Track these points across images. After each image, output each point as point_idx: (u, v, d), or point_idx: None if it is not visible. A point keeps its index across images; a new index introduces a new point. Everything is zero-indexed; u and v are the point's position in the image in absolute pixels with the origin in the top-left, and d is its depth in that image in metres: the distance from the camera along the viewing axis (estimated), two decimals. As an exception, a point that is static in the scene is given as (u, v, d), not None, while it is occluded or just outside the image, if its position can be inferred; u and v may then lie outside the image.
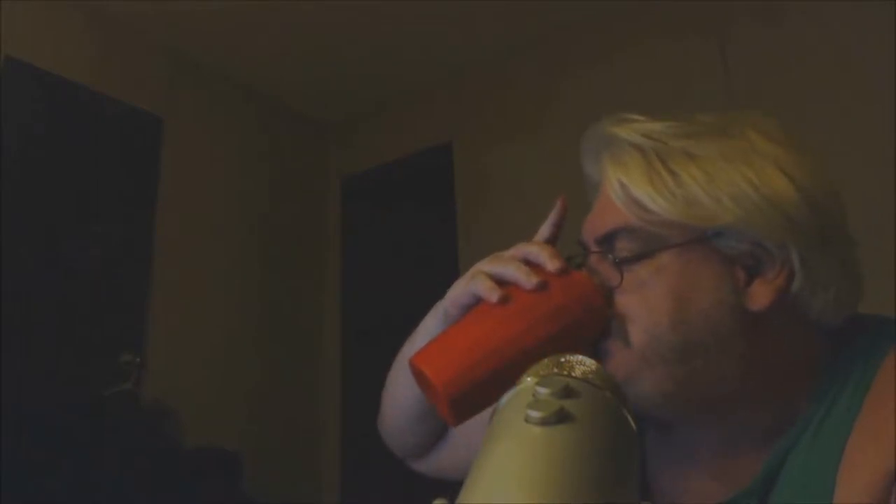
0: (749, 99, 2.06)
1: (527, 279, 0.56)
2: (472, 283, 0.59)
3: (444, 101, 2.92)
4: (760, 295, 0.54)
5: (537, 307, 0.56)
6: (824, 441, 0.53)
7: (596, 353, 0.57)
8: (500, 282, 0.58)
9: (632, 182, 0.56)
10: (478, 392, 0.53)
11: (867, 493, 0.48)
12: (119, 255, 2.30)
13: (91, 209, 2.26)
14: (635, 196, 0.55)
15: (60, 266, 2.13)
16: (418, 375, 0.57)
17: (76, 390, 2.03)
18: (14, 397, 1.74)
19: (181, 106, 2.60)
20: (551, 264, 0.57)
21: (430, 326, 0.67)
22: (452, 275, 0.64)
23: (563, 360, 0.38)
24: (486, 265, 0.60)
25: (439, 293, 0.65)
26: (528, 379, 0.37)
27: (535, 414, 0.31)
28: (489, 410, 0.39)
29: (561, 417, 0.32)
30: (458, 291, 0.61)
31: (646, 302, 0.55)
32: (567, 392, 0.34)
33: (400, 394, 0.72)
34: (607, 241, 0.58)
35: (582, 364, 0.37)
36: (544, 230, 0.67)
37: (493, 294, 0.56)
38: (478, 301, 0.59)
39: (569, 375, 0.36)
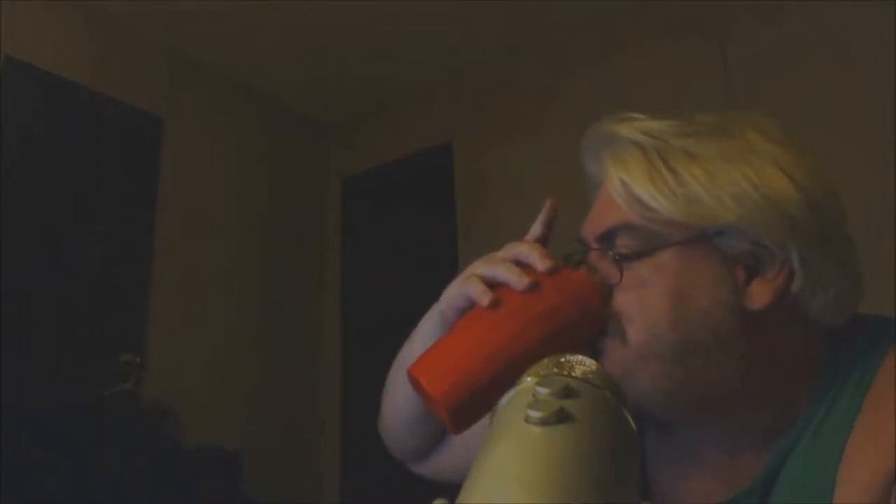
0: (749, 99, 2.06)
1: (518, 280, 0.56)
2: (465, 286, 0.59)
3: (444, 101, 2.91)
4: (760, 294, 0.54)
5: (530, 308, 0.55)
6: (824, 441, 0.53)
7: (593, 351, 0.57)
8: (493, 284, 0.58)
9: (633, 180, 0.56)
10: (477, 399, 0.52)
11: (867, 493, 0.48)
12: (119, 255, 2.30)
13: (91, 209, 2.26)
14: (636, 194, 0.55)
15: (60, 266, 2.13)
16: (416, 386, 0.56)
17: (76, 390, 2.03)
18: (14, 397, 1.74)
19: (181, 106, 2.60)
20: (541, 264, 0.57)
21: (427, 329, 0.67)
22: (452, 275, 0.63)
23: (562, 360, 0.38)
24: (479, 267, 0.60)
25: (439, 293, 0.64)
26: (528, 379, 0.37)
27: (535, 414, 0.31)
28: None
29: (561, 417, 0.32)
30: (453, 294, 0.60)
31: (644, 300, 0.55)
32: (567, 392, 0.34)
33: (398, 396, 0.72)
34: (608, 238, 0.58)
35: (582, 364, 0.37)
36: (535, 229, 0.67)
37: (484, 297, 0.56)
38: (472, 303, 0.58)
39: (569, 375, 0.36)
